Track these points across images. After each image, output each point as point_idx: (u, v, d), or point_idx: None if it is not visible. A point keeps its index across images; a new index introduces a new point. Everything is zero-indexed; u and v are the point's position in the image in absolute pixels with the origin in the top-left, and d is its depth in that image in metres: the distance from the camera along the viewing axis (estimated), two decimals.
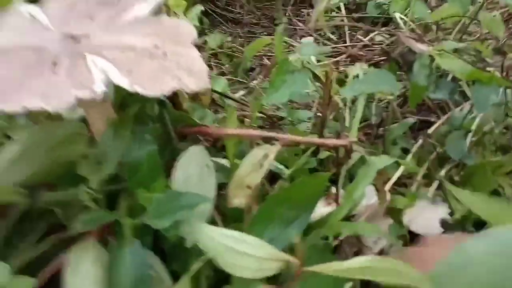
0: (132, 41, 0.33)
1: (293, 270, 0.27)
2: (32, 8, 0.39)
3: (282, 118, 0.73)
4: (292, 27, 1.35)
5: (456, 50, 0.46)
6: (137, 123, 0.39)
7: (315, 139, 0.38)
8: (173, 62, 0.31)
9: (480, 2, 0.63)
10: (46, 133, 0.40)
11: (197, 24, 0.56)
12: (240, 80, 1.00)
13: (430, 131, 0.49)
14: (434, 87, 0.48)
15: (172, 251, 0.40)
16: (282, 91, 0.42)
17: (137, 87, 0.27)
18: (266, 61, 1.12)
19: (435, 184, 0.46)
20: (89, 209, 0.37)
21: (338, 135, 0.41)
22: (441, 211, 0.46)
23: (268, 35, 1.35)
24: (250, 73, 1.14)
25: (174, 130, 0.43)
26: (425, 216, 0.41)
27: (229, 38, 1.19)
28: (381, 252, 0.43)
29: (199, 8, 0.58)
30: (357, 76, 0.49)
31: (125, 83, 0.27)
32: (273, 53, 1.19)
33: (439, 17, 0.63)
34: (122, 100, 0.42)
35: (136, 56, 0.31)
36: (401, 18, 0.89)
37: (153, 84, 0.28)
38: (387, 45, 0.87)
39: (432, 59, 0.47)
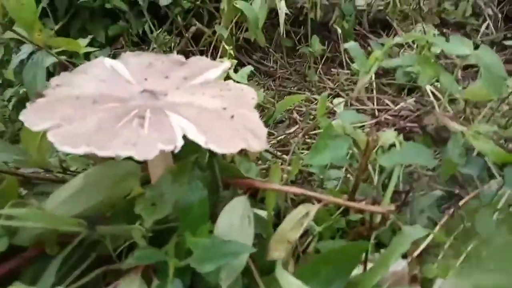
0: (204, 102, 0.38)
1: None
2: (114, 62, 0.44)
3: (311, 174, 0.76)
4: (322, 84, 1.42)
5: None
6: (191, 170, 0.43)
7: (355, 203, 0.41)
8: (240, 124, 0.35)
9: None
10: (105, 171, 0.43)
11: (246, 82, 0.61)
12: (270, 131, 1.05)
13: (460, 203, 0.51)
14: (465, 163, 0.51)
15: None
16: (325, 154, 0.45)
17: (211, 145, 0.31)
18: (295, 115, 1.18)
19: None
20: (137, 245, 0.40)
21: (373, 201, 0.44)
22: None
23: (298, 90, 1.42)
24: (279, 124, 1.20)
25: (221, 179, 0.46)
26: None
27: (262, 90, 1.26)
28: None
29: (249, 68, 0.64)
30: (393, 145, 0.52)
31: (201, 141, 0.32)
32: (302, 108, 1.25)
33: (471, 96, 0.67)
34: None
35: (209, 116, 0.35)
36: (431, 91, 0.94)
37: (225, 143, 0.32)
38: (415, 115, 0.92)
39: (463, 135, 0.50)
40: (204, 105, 0.37)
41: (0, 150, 0.42)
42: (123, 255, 0.40)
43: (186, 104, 0.37)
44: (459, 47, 0.49)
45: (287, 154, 0.80)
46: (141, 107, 0.36)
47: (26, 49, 0.61)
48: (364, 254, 0.46)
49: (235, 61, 0.63)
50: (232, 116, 0.36)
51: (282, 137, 0.89)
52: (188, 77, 0.41)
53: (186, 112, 0.35)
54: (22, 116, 0.33)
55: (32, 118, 0.33)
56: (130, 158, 0.46)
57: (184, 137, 0.35)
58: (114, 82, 0.40)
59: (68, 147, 0.29)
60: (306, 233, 0.55)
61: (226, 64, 0.43)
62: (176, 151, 0.31)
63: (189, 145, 0.47)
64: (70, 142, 0.29)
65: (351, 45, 0.54)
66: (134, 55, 0.45)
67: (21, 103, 0.89)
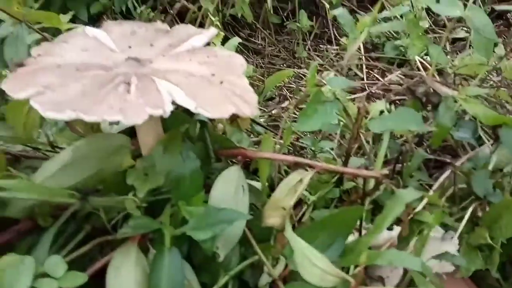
0: (191, 68, 0.37)
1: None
2: (97, 31, 0.43)
3: (303, 148, 0.76)
4: (311, 61, 1.40)
5: (478, 96, 0.49)
6: (182, 141, 0.42)
7: (348, 169, 0.41)
8: (229, 90, 0.34)
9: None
10: (96, 144, 0.42)
11: None
12: (260, 108, 1.04)
13: (457, 164, 0.51)
14: (457, 127, 0.51)
15: (203, 263, 0.43)
16: (314, 120, 0.45)
17: (201, 109, 0.30)
18: (285, 91, 1.17)
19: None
20: (132, 216, 0.39)
21: (365, 168, 0.44)
22: (451, 248, 0.47)
23: (287, 67, 1.40)
24: (270, 101, 1.19)
25: (213, 151, 0.45)
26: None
27: (251, 68, 1.24)
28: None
29: (237, 40, 0.62)
30: (382, 112, 0.52)
31: (191, 105, 0.31)
32: (292, 84, 1.24)
33: (462, 65, 0.67)
34: (166, 120, 0.45)
35: (198, 82, 0.34)
36: (420, 62, 0.94)
37: (215, 108, 0.31)
38: (404, 87, 0.91)
39: (455, 101, 0.50)
40: (192, 71, 0.36)
41: None
42: (118, 227, 0.40)
43: (173, 70, 0.36)
44: (449, 7, 0.48)
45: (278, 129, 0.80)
46: (127, 74, 0.34)
47: (5, 25, 0.59)
48: (358, 221, 0.46)
49: (222, 34, 0.62)
50: (221, 82, 0.35)
51: (274, 111, 0.88)
52: (173, 44, 0.40)
53: (174, 78, 0.34)
54: (3, 85, 0.32)
55: (14, 85, 0.31)
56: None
57: (173, 107, 0.34)
58: (97, 51, 0.39)
59: (52, 112, 0.28)
60: (300, 203, 0.55)
61: (212, 30, 0.42)
62: (166, 116, 0.30)
63: (179, 116, 0.46)
64: (55, 108, 0.28)
65: (339, 12, 0.53)
66: (116, 23, 0.43)
67: None
